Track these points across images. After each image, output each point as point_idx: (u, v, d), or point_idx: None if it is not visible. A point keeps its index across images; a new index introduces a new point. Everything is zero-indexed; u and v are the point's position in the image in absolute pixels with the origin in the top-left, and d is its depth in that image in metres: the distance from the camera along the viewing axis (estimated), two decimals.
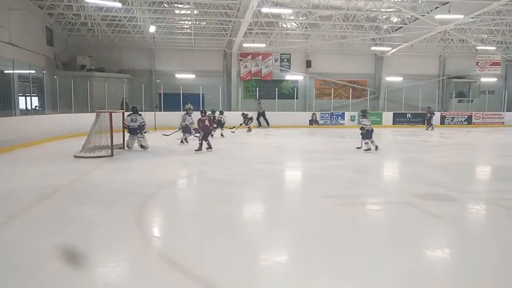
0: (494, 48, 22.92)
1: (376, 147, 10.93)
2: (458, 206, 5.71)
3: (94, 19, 18.45)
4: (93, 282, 3.26)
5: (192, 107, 18.37)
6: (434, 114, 21.09)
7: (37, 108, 15.97)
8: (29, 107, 14.78)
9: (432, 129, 20.14)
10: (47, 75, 15.51)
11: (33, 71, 14.12)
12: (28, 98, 14.99)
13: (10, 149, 10.40)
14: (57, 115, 14.30)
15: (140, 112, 11.49)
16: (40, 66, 16.09)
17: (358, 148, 11.24)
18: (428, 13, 16.93)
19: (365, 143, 10.99)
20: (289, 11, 17.62)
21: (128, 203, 5.46)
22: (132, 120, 10.98)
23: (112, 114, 10.16)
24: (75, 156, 9.59)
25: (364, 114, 11.33)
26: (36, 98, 16.12)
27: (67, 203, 5.57)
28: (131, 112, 11.33)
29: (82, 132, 11.78)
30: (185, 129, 12.50)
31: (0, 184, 6.65)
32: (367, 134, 10.93)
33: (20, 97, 15.06)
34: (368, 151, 10.88)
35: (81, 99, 15.99)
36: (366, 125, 10.92)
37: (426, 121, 20.67)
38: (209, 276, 3.24)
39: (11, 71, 13.37)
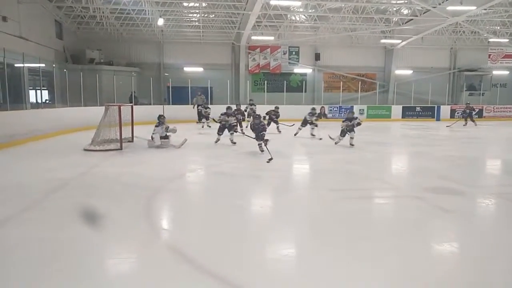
0: (507, 40, 22.46)
1: (336, 143, 11.13)
2: (468, 200, 5.67)
3: (103, 12, 18.52)
4: (103, 273, 3.30)
5: (204, 99, 18.30)
6: (475, 110, 19.82)
7: (47, 101, 16.12)
8: (39, 101, 14.96)
9: (475, 124, 18.51)
10: (57, 69, 15.62)
11: (43, 65, 14.24)
12: (38, 91, 15.16)
13: (21, 143, 10.52)
14: (66, 109, 14.39)
15: (163, 117, 10.75)
16: (49, 60, 16.24)
17: (316, 138, 12.40)
18: (439, 4, 16.66)
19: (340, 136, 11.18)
20: (298, 3, 17.46)
21: (137, 196, 5.51)
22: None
23: (121, 107, 10.24)
24: (85, 149, 9.69)
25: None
26: (46, 91, 16.26)
27: (77, 196, 5.62)
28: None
29: (91, 125, 11.84)
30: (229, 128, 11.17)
31: (11, 177, 6.75)
32: (349, 129, 10.96)
33: (30, 91, 15.25)
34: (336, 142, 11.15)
35: (90, 93, 16.07)
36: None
37: (465, 117, 18.83)
38: (217, 268, 3.26)
39: (21, 65, 13.50)
